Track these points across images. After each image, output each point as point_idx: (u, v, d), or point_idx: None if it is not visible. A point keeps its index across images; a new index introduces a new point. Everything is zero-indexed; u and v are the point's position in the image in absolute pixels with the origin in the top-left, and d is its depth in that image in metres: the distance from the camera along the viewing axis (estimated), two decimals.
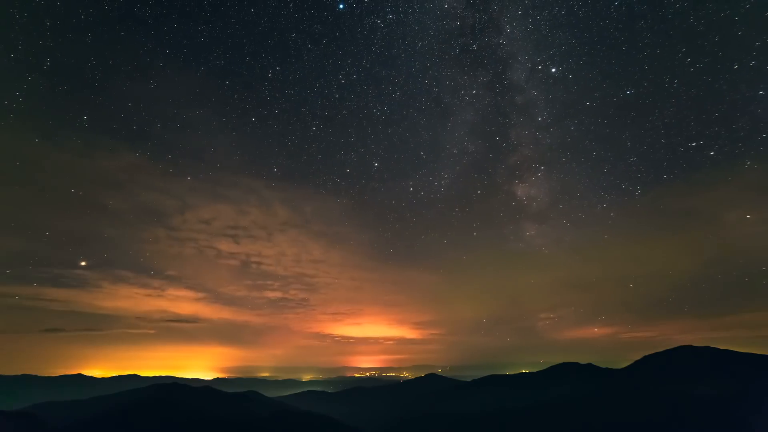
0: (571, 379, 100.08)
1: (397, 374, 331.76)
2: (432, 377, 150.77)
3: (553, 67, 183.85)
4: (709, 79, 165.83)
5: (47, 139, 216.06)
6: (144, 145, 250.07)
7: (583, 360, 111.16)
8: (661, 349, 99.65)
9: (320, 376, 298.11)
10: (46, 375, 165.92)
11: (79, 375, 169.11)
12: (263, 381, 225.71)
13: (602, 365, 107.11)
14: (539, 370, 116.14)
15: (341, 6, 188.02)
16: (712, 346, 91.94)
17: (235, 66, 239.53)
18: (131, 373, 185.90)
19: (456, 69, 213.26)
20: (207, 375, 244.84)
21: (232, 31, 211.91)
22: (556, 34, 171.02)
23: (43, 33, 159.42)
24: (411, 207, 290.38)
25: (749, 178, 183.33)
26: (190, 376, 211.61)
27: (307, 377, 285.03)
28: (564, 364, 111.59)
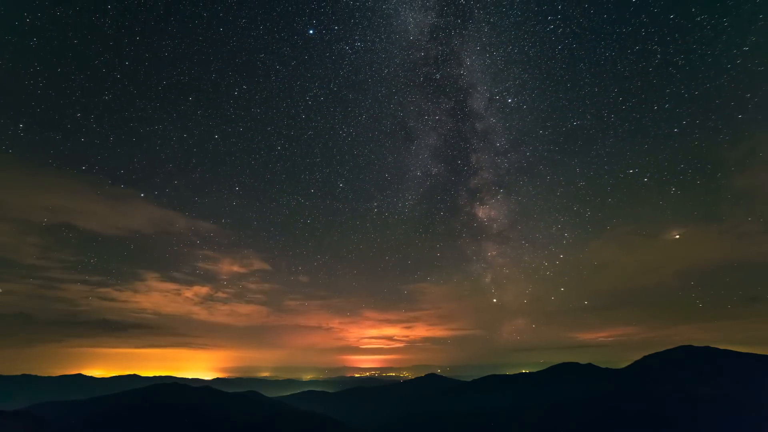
0: (571, 379, 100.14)
1: (397, 374, 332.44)
2: (432, 377, 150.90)
3: (509, 98, 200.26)
4: (638, 116, 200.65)
5: None
6: (93, 158, 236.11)
7: (583, 360, 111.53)
8: (661, 349, 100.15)
9: (320, 376, 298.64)
10: (46, 375, 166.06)
11: (79, 375, 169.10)
12: (263, 381, 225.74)
13: (602, 365, 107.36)
14: (539, 370, 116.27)
15: (311, 31, 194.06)
16: (712, 346, 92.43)
17: (200, 83, 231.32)
18: (131, 373, 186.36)
19: (420, 95, 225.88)
20: (207, 375, 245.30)
21: (199, 48, 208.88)
22: (510, 68, 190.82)
23: None
24: (375, 228, 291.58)
25: (675, 203, 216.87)
26: (190, 376, 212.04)
27: (307, 377, 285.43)
28: (564, 364, 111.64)
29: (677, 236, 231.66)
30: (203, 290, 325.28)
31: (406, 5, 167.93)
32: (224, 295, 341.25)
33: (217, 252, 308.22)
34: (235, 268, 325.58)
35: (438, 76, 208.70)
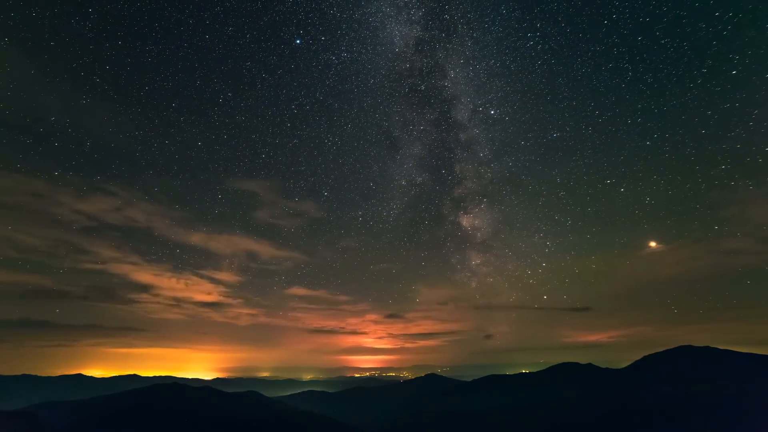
0: (571, 379, 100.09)
1: (397, 374, 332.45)
2: (432, 377, 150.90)
3: (492, 110, 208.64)
4: (613, 129, 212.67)
5: None
6: (68, 163, 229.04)
7: (583, 360, 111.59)
8: (661, 349, 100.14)
9: (320, 376, 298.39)
10: (46, 375, 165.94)
11: (79, 375, 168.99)
12: (263, 381, 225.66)
13: (602, 365, 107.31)
14: (539, 370, 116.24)
15: (298, 41, 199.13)
16: (712, 346, 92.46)
17: (184, 89, 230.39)
18: (131, 373, 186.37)
19: (405, 106, 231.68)
20: (207, 375, 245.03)
21: (184, 55, 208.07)
22: (493, 81, 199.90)
23: None
24: (360, 236, 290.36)
25: (650, 212, 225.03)
26: (190, 376, 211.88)
27: (307, 377, 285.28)
28: (564, 364, 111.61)
29: (652, 243, 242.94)
30: (198, 293, 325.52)
31: (393, 18, 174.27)
32: (220, 298, 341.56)
33: (203, 258, 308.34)
34: (229, 275, 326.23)
35: (423, 87, 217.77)
